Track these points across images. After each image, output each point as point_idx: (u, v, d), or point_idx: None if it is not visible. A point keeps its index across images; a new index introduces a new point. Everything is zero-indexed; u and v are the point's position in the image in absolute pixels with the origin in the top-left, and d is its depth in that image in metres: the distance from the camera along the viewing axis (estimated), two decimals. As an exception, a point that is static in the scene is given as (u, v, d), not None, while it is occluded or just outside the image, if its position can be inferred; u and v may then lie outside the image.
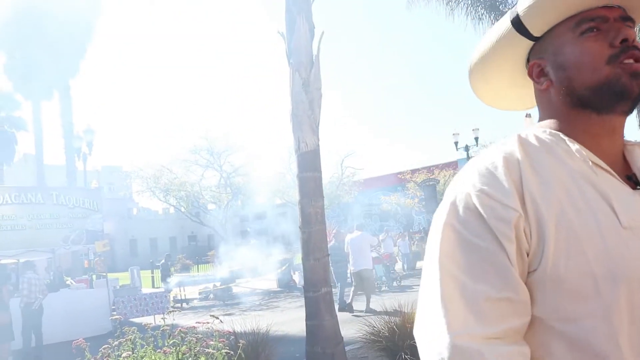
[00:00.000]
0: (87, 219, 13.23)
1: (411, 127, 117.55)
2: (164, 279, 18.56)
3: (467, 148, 25.54)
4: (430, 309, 0.89)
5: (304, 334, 6.57)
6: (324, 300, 6.42)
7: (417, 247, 25.15)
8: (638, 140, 1.06)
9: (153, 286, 22.42)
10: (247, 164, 28.63)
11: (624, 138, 1.04)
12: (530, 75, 1.05)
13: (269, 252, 20.08)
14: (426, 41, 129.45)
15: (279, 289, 19.10)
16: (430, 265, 0.92)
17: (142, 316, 12.13)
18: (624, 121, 1.01)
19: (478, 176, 0.93)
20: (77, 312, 11.80)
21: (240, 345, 4.86)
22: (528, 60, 1.08)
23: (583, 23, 0.96)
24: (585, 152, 0.94)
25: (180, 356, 4.16)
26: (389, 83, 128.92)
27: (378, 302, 11.95)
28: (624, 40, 0.94)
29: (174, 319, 5.06)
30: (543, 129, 1.01)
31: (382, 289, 15.93)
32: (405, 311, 6.82)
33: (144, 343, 4.44)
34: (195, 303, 17.55)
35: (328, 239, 8.25)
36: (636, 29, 1.03)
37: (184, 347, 4.26)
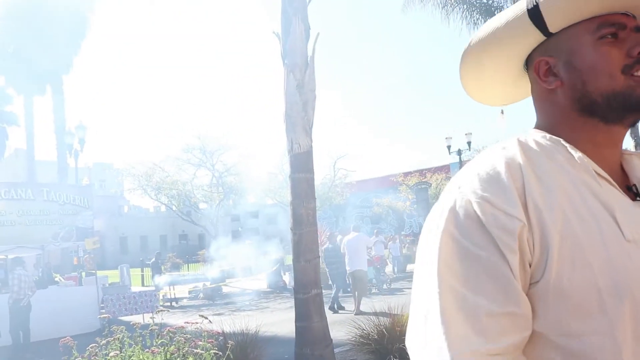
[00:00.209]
0: (77, 216, 13.15)
1: (404, 130, 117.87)
2: (154, 277, 18.49)
3: (459, 152, 25.64)
4: (428, 322, 0.84)
5: (293, 335, 6.56)
6: (313, 302, 6.42)
7: (408, 250, 25.18)
8: (628, 149, 1.04)
9: (143, 284, 22.35)
10: (239, 164, 28.62)
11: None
12: (536, 72, 1.00)
13: (259, 253, 20.05)
14: (420, 45, 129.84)
15: (269, 289, 19.06)
16: (427, 275, 0.87)
17: (131, 315, 12.05)
18: (626, 133, 0.99)
19: (479, 181, 0.88)
20: (65, 310, 11.72)
21: (229, 346, 4.84)
22: (528, 57, 1.03)
23: (603, 27, 0.93)
24: (586, 160, 0.90)
25: (168, 356, 4.14)
26: (381, 85, 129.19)
27: (368, 305, 11.95)
28: None
29: (162, 319, 5.03)
30: (542, 134, 0.96)
31: (372, 291, 15.94)
32: (395, 314, 6.82)
33: (132, 342, 4.41)
34: (185, 302, 17.49)
35: (320, 241, 8.29)
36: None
37: (172, 347, 4.25)
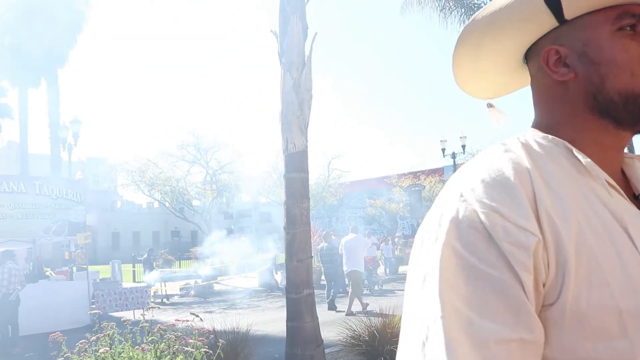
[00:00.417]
0: (69, 210, 13.10)
1: (401, 131, 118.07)
2: (145, 273, 18.45)
3: (454, 155, 25.71)
4: (427, 349, 0.72)
5: (284, 334, 6.55)
6: (305, 302, 6.41)
7: (401, 252, 25.24)
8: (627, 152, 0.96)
9: (134, 280, 22.29)
10: (233, 162, 28.61)
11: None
12: (544, 62, 0.89)
13: (252, 251, 20.04)
14: (418, 47, 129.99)
15: (260, 288, 19.05)
16: (424, 295, 0.75)
17: (122, 310, 12.01)
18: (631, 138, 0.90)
19: (484, 188, 0.76)
20: (55, 304, 11.67)
21: (220, 344, 4.83)
22: (530, 46, 0.94)
23: (624, 17, 0.83)
24: (596, 167, 0.81)
25: (158, 354, 4.13)
26: (380, 86, 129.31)
27: (359, 306, 11.99)
28: None
29: (153, 315, 5.01)
30: (542, 135, 0.86)
31: (364, 292, 15.96)
32: (387, 315, 6.82)
33: (122, 339, 4.39)
34: (176, 299, 17.46)
35: (313, 241, 8.31)
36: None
37: (162, 344, 4.23)
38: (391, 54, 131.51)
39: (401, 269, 23.31)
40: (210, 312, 13.06)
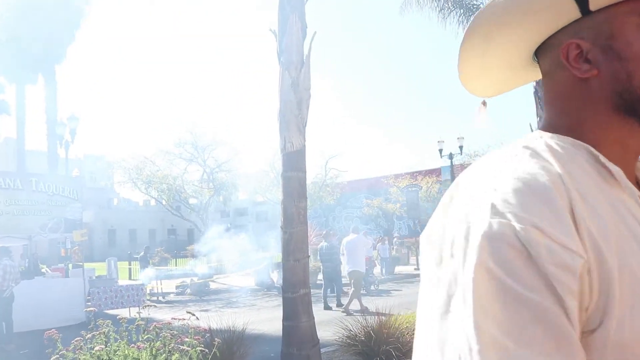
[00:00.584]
0: (66, 207, 13.07)
1: (400, 130, 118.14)
2: (142, 271, 18.43)
3: (451, 156, 25.73)
4: None
5: (280, 333, 6.55)
6: (302, 302, 6.40)
7: (397, 252, 25.27)
8: None
9: (130, 278, 22.24)
10: (231, 160, 28.59)
11: None
12: (564, 57, 0.81)
13: (248, 250, 20.02)
14: (417, 47, 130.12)
15: (256, 287, 19.04)
16: (457, 321, 0.65)
17: (117, 308, 12.00)
18: None
19: (519, 199, 0.67)
20: (51, 301, 11.64)
21: (216, 343, 4.82)
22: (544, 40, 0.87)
23: None
24: (624, 177, 0.74)
25: (154, 352, 4.11)
26: (379, 86, 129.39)
27: (356, 305, 12.00)
28: None
29: (149, 313, 5.01)
30: (560, 137, 0.78)
31: (361, 292, 15.98)
32: (383, 317, 6.81)
33: (118, 337, 4.38)
34: (172, 297, 17.44)
35: (309, 240, 8.33)
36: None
37: (158, 342, 4.22)
38: (390, 53, 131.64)
39: (397, 269, 23.35)
40: (206, 310, 13.04)
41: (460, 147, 25.76)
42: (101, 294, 12.04)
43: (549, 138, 0.78)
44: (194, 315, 4.80)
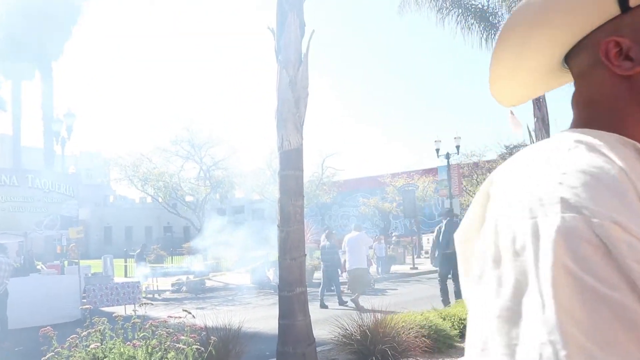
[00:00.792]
0: (62, 204, 13.05)
1: (396, 130, 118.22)
2: (137, 268, 18.40)
3: (448, 156, 25.76)
4: None
5: (276, 332, 6.54)
6: (298, 300, 6.40)
7: (393, 251, 25.29)
8: None
9: (126, 275, 22.21)
10: (227, 158, 28.55)
11: None
12: (604, 55, 0.79)
13: (244, 248, 20.00)
14: (414, 47, 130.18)
15: (252, 285, 19.02)
16: (540, 323, 0.60)
17: (113, 306, 11.98)
18: None
19: (591, 192, 0.63)
20: (46, 298, 11.63)
21: (212, 341, 4.81)
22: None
23: None
24: None
25: (149, 350, 4.11)
26: (375, 85, 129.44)
27: (351, 304, 12.01)
28: None
29: (145, 311, 5.00)
30: (607, 134, 0.75)
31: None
32: (379, 315, 6.81)
33: (114, 335, 4.37)
34: (168, 295, 17.42)
35: (306, 238, 8.34)
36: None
37: (154, 340, 4.21)
38: (389, 52, 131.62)
39: (393, 268, 23.36)
40: (202, 308, 13.04)
41: (457, 147, 25.80)
42: (97, 292, 12.01)
43: (597, 134, 0.75)
44: (190, 313, 4.79)
